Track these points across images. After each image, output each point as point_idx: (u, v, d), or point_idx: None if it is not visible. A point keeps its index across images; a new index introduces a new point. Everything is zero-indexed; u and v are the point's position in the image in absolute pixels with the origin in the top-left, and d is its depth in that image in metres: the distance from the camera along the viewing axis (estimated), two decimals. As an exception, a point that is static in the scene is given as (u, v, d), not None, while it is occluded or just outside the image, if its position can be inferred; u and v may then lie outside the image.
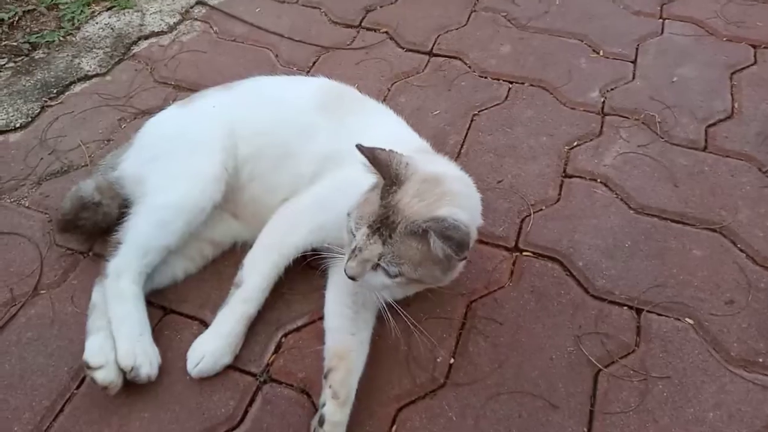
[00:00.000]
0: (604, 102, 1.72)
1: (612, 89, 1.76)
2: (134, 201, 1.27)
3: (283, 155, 1.28)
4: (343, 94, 1.40)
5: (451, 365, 1.16)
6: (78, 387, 1.13)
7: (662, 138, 1.61)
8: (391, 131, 1.32)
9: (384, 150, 1.04)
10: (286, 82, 1.50)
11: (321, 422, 1.01)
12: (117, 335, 1.12)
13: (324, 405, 1.03)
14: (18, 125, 1.67)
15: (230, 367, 1.15)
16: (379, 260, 1.00)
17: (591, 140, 1.60)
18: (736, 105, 1.69)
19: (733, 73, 1.79)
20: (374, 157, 1.03)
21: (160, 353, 1.15)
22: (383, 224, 1.00)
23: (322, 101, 1.33)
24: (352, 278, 1.03)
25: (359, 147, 1.03)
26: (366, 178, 1.09)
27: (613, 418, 1.08)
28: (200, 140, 1.29)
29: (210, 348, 1.13)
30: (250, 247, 1.32)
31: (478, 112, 1.70)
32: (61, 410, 1.10)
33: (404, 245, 0.99)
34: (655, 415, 1.09)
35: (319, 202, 1.21)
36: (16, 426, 1.08)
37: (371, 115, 1.35)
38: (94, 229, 1.30)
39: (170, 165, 1.27)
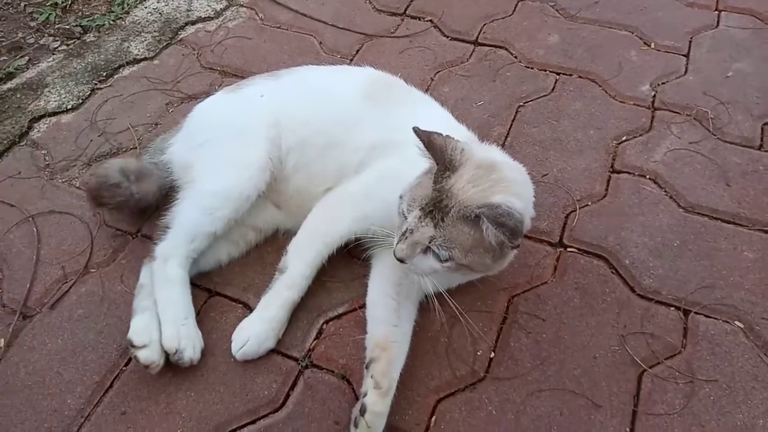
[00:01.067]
0: (654, 96, 1.67)
1: (663, 83, 1.71)
2: (181, 186, 1.30)
3: (328, 145, 1.28)
4: (389, 84, 1.39)
5: (491, 359, 1.15)
6: (126, 364, 1.17)
7: (715, 135, 1.56)
8: (438, 123, 1.30)
9: (440, 134, 1.04)
10: (332, 72, 1.50)
11: (362, 411, 1.02)
12: (163, 318, 1.15)
13: (366, 395, 1.03)
14: (69, 107, 1.72)
15: (273, 351, 1.17)
16: (429, 243, 1.00)
17: (640, 135, 1.56)
18: (795, 102, 1.62)
19: (793, 69, 1.72)
20: (430, 141, 1.02)
21: (204, 335, 1.18)
22: (436, 207, 0.99)
23: (368, 91, 1.33)
24: (401, 260, 1.03)
25: (416, 130, 1.03)
26: (412, 166, 1.08)
27: (657, 419, 1.06)
28: (247, 129, 1.31)
29: (254, 331, 1.15)
30: (293, 235, 1.33)
31: (524, 103, 1.67)
32: (111, 386, 1.14)
33: (456, 230, 0.98)
34: (701, 419, 1.06)
35: (364, 190, 1.21)
36: (69, 398, 1.12)
37: (417, 106, 1.34)
38: (120, 207, 1.33)
39: (217, 152, 1.29)
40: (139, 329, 1.13)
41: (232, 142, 1.29)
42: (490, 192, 0.99)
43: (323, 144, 1.29)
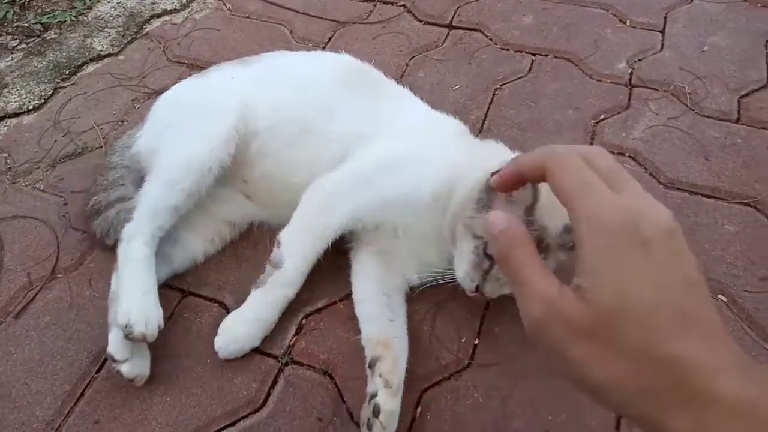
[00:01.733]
0: (631, 73, 1.65)
1: (640, 60, 1.69)
2: (149, 172, 1.25)
3: (300, 132, 1.24)
4: (366, 72, 1.35)
5: (476, 345, 1.13)
6: (98, 371, 1.12)
7: (693, 110, 1.54)
8: (427, 113, 1.29)
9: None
10: (305, 57, 1.45)
11: (376, 413, 0.97)
12: (120, 294, 1.10)
13: (376, 395, 0.99)
14: (31, 107, 1.65)
15: (252, 350, 1.13)
16: None
17: (619, 113, 1.54)
18: (771, 74, 1.61)
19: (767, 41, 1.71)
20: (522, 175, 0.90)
21: (178, 336, 1.14)
22: (538, 247, 0.95)
23: (344, 78, 1.29)
24: (479, 294, 1.04)
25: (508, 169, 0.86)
26: (415, 159, 1.13)
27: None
28: (213, 105, 1.27)
29: (243, 331, 1.11)
30: (268, 226, 1.30)
31: (501, 85, 1.64)
32: (82, 394, 1.09)
33: (550, 261, 1.00)
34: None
35: (359, 179, 1.15)
36: (37, 410, 1.07)
37: (400, 97, 1.32)
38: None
39: (181, 131, 1.25)
40: (119, 342, 1.07)
41: (196, 119, 1.26)
42: (564, 212, 0.85)
43: (294, 132, 1.24)
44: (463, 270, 1.04)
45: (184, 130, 1.26)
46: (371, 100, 1.26)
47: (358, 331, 1.14)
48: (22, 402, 1.08)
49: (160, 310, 1.11)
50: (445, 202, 1.09)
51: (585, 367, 0.46)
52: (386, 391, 0.99)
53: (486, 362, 1.10)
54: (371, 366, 1.04)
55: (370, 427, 0.98)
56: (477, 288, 1.04)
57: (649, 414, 0.44)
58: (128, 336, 1.05)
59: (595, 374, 0.45)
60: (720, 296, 1.18)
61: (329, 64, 1.35)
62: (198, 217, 1.26)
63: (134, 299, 1.08)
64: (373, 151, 1.17)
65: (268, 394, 1.07)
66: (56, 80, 1.73)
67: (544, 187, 0.88)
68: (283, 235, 1.15)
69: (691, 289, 0.45)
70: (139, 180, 1.27)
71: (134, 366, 1.05)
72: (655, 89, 1.60)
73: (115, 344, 1.07)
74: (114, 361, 1.05)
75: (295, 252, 1.13)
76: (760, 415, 0.40)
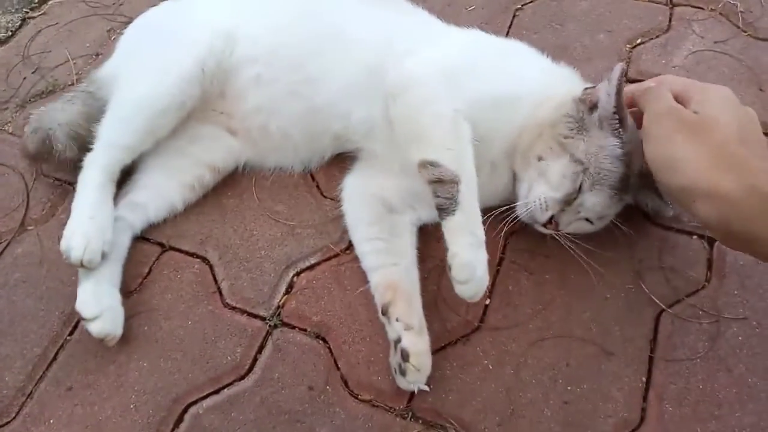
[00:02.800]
0: (673, -11, 1.43)
1: (683, -27, 1.46)
2: (108, 100, 1.13)
3: (313, 53, 1.08)
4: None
5: (486, 306, 1.01)
6: (71, 333, 1.03)
7: (745, 32, 1.34)
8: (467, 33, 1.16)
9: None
10: None
11: (405, 357, 0.89)
12: (69, 220, 1.03)
13: (400, 340, 0.90)
14: (-3, 40, 1.50)
15: (237, 311, 1.03)
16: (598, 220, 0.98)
17: (657, 36, 1.35)
18: (841, -13, 1.38)
19: (838, -53, 1.46)
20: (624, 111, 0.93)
21: (157, 295, 1.05)
22: (622, 186, 0.94)
23: None
24: (548, 225, 0.97)
25: (615, 98, 0.91)
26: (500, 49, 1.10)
27: (678, 366, 0.93)
28: (181, 35, 1.12)
29: (481, 270, 0.89)
30: (254, 172, 1.16)
31: (522, 6, 1.44)
32: (54, 358, 1.00)
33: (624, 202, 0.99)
34: (727, 363, 0.92)
35: (465, 67, 1.02)
36: (7, 375, 0.99)
37: (430, 17, 1.19)
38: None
39: (142, 62, 1.13)
40: (87, 298, 0.98)
41: (160, 47, 1.12)
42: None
43: (305, 53, 1.08)
44: (543, 195, 0.95)
45: (144, 61, 1.12)
46: (408, 12, 1.17)
47: (355, 289, 1.03)
48: (-8, 366, 1.00)
49: (107, 236, 1.02)
50: (531, 115, 1.00)
51: (680, 146, 0.77)
52: (409, 333, 0.91)
53: (498, 325, 0.98)
54: (384, 312, 0.95)
55: (404, 372, 0.90)
56: (551, 219, 0.95)
57: (708, 179, 0.73)
58: (66, 261, 0.99)
59: (685, 151, 0.76)
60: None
61: None
62: (174, 160, 1.13)
63: (79, 223, 1.01)
64: (461, 43, 1.09)
65: (255, 360, 0.97)
66: (24, 10, 1.57)
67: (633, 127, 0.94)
68: (427, 151, 0.93)
69: (758, 137, 0.78)
70: (97, 108, 1.14)
71: (104, 324, 0.96)
72: (700, 8, 1.40)
73: (83, 299, 0.98)
74: (82, 318, 0.97)
75: (455, 154, 0.93)
76: None
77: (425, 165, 0.91)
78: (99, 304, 0.97)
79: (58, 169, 1.20)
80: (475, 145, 0.96)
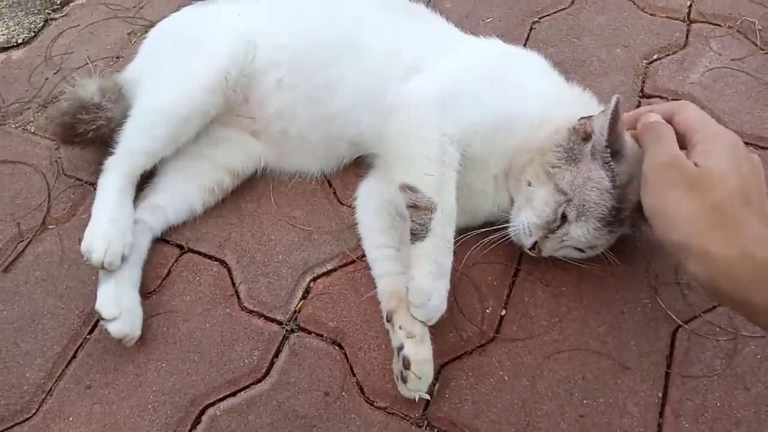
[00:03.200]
0: (690, 6, 1.44)
1: (701, -10, 1.47)
2: (132, 104, 1.15)
3: (337, 55, 1.09)
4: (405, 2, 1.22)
5: (502, 317, 1.01)
6: (90, 332, 1.04)
7: (763, 50, 1.34)
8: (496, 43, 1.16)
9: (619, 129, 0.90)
10: None
11: (407, 365, 0.89)
12: (90, 222, 1.05)
13: (402, 348, 0.90)
14: (20, 41, 1.52)
15: (254, 314, 1.03)
16: (587, 247, 0.97)
17: (674, 53, 1.35)
18: None
19: None
20: (619, 141, 0.91)
21: (176, 297, 1.05)
22: (615, 218, 0.92)
23: (386, 4, 1.17)
24: (532, 250, 0.98)
25: (609, 129, 0.88)
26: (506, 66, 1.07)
27: (694, 382, 0.93)
28: (204, 42, 1.13)
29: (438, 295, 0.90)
30: (273, 178, 1.17)
31: (539, 18, 1.44)
32: (74, 356, 1.01)
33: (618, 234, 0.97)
34: (745, 381, 0.92)
35: (465, 89, 1.00)
36: (28, 372, 1.00)
37: (451, 27, 1.20)
38: (97, 136, 1.14)
39: (165, 66, 1.14)
40: (107, 299, 0.99)
41: (183, 56, 1.14)
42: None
43: (324, 58, 1.09)
44: (527, 220, 0.96)
45: (167, 68, 1.14)
46: (424, 23, 1.16)
47: (371, 296, 1.03)
48: (12, 363, 1.01)
49: (127, 238, 1.04)
50: (527, 138, 0.99)
51: (677, 203, 0.75)
52: (411, 341, 0.91)
53: (514, 336, 0.98)
54: (389, 320, 0.95)
55: (405, 380, 0.90)
56: (534, 245, 0.96)
57: (701, 241, 0.72)
58: (87, 262, 1.00)
59: (682, 209, 0.74)
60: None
61: None
62: (195, 164, 1.14)
63: (100, 225, 1.03)
64: (465, 60, 1.07)
65: (272, 364, 0.98)
66: (47, 11, 1.59)
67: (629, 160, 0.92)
68: (407, 174, 0.94)
69: (761, 195, 0.74)
70: (124, 106, 1.16)
71: (123, 324, 0.97)
72: (718, 25, 1.39)
73: (103, 300, 0.99)
74: (102, 318, 0.97)
75: (435, 181, 0.93)
76: None
77: (404, 188, 0.93)
78: (118, 305, 0.98)
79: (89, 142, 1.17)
80: (474, 163, 0.98)
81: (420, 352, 0.90)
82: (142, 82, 1.15)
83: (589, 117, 0.94)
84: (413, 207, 0.92)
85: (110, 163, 1.11)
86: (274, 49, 1.12)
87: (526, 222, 0.96)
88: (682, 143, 0.82)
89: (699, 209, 0.73)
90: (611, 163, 0.90)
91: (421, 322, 0.90)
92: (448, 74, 1.03)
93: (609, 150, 0.90)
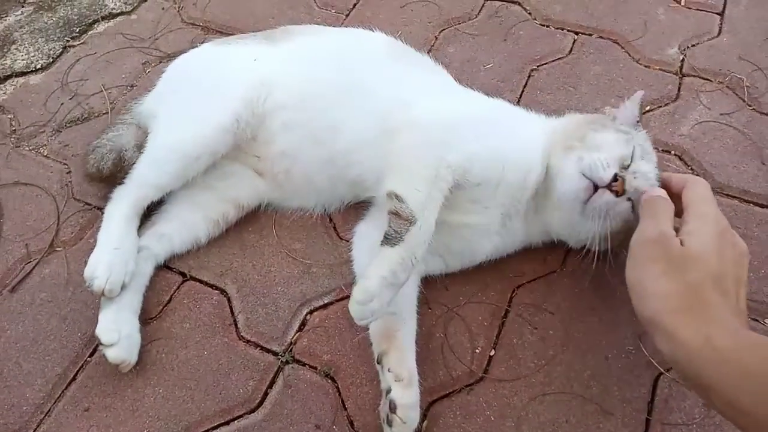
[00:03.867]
0: (683, 60, 1.50)
1: (693, 45, 1.53)
2: (148, 135, 1.20)
3: (343, 95, 1.14)
4: (411, 51, 1.27)
5: (491, 357, 1.04)
6: (91, 355, 1.07)
7: (750, 106, 1.39)
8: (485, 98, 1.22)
9: None
10: (343, 33, 1.35)
11: (393, 408, 0.91)
12: (95, 249, 1.09)
13: (390, 391, 0.92)
14: (39, 66, 1.58)
15: (251, 344, 1.07)
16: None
17: (666, 105, 1.40)
18: None
19: (842, 29, 1.53)
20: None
21: (176, 324, 1.09)
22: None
23: (391, 52, 1.23)
24: (613, 185, 0.96)
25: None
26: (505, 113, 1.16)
27: (674, 429, 0.95)
28: (221, 84, 1.18)
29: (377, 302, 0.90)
30: (275, 211, 1.22)
31: (537, 66, 1.50)
32: (74, 379, 1.04)
33: None
34: (723, 430, 0.95)
35: (471, 122, 1.07)
36: (28, 392, 1.03)
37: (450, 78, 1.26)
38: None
39: (181, 104, 1.20)
40: (107, 325, 1.02)
41: (199, 96, 1.19)
42: None
43: (329, 102, 1.14)
44: (602, 156, 0.98)
45: (182, 106, 1.19)
46: (428, 73, 1.23)
47: (365, 331, 1.06)
48: (13, 382, 1.04)
49: (130, 267, 1.07)
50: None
51: (654, 278, 0.78)
52: (399, 385, 0.92)
53: (501, 377, 1.01)
54: (379, 362, 0.97)
55: (390, 423, 0.91)
56: (615, 177, 0.96)
57: (670, 321, 0.74)
58: (88, 288, 1.04)
59: (657, 285, 0.77)
60: None
61: (372, 40, 1.26)
62: (202, 196, 1.19)
63: (104, 253, 1.07)
64: (471, 102, 1.17)
65: (266, 395, 1.01)
66: (66, 38, 1.65)
67: None
68: (398, 184, 0.97)
69: (738, 283, 0.79)
70: (142, 137, 1.21)
71: (121, 351, 1.00)
72: (708, 80, 1.45)
73: (103, 326, 1.02)
74: (101, 344, 1.01)
75: (422, 197, 0.95)
76: (746, 338, 0.70)
77: (391, 195, 0.95)
78: (118, 331, 1.01)
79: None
80: (476, 198, 1.03)
81: (406, 397, 0.92)
82: (158, 117, 1.20)
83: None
84: (395, 214, 0.94)
85: (119, 192, 1.15)
86: (284, 91, 1.17)
87: (602, 158, 0.97)
88: (678, 215, 0.88)
89: (674, 288, 0.76)
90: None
91: (353, 318, 0.90)
92: (456, 108, 1.11)
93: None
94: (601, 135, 1.02)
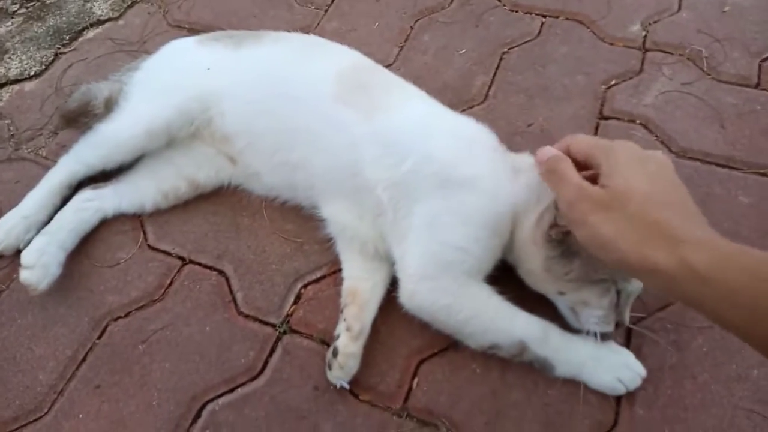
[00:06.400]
0: (645, 36, 1.58)
1: (655, 22, 1.61)
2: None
3: (288, 145, 1.17)
4: (365, 79, 1.18)
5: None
6: (99, 337, 1.13)
7: (709, 75, 1.47)
8: (447, 122, 1.14)
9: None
10: (297, 58, 1.23)
11: (335, 354, 1.02)
12: (12, 210, 1.25)
13: (338, 337, 1.03)
14: (32, 73, 1.64)
15: (250, 318, 1.13)
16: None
17: (630, 78, 1.48)
18: (797, 35, 1.53)
19: (794, 0, 1.62)
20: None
21: (178, 304, 1.16)
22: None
23: (341, 92, 1.13)
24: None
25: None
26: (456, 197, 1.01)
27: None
28: (166, 89, 1.26)
29: None
30: (242, 188, 1.31)
31: (508, 49, 1.58)
32: (84, 360, 1.10)
33: None
34: (693, 371, 1.03)
35: (437, 256, 1.02)
36: (41, 374, 1.09)
37: (407, 104, 1.14)
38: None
39: (135, 95, 1.27)
40: (32, 250, 1.15)
41: (148, 94, 1.27)
42: None
43: (284, 145, 1.18)
44: (597, 317, 0.98)
45: (135, 97, 1.27)
46: (377, 119, 1.10)
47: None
48: (26, 366, 1.10)
49: (29, 236, 1.21)
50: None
51: (600, 226, 0.75)
52: (347, 334, 1.03)
53: (484, 333, 1.08)
54: (341, 311, 1.07)
55: (330, 366, 1.02)
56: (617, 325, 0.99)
57: (637, 253, 0.71)
58: None
59: (606, 230, 0.74)
60: (729, 269, 1.14)
61: (324, 71, 1.17)
62: (160, 167, 1.27)
63: (11, 218, 1.23)
64: (424, 217, 1.03)
65: (266, 363, 1.08)
66: (57, 46, 1.71)
67: None
68: (475, 343, 1.03)
69: (675, 188, 0.77)
70: (116, 94, 1.30)
71: (32, 275, 1.12)
72: (669, 53, 1.53)
73: (28, 249, 1.16)
74: (20, 264, 1.13)
75: (504, 322, 1.01)
76: (718, 249, 0.67)
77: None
78: (38, 258, 1.13)
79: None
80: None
81: (350, 346, 1.02)
82: (125, 95, 1.28)
83: (555, 223, 0.93)
84: (515, 356, 1.01)
85: (62, 160, 1.29)
86: (234, 122, 1.22)
87: (594, 320, 0.98)
88: (586, 169, 0.83)
89: (624, 227, 0.73)
90: None
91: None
92: (422, 246, 1.02)
93: None
94: (587, 294, 0.98)
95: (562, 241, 0.92)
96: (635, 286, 0.98)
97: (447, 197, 1.00)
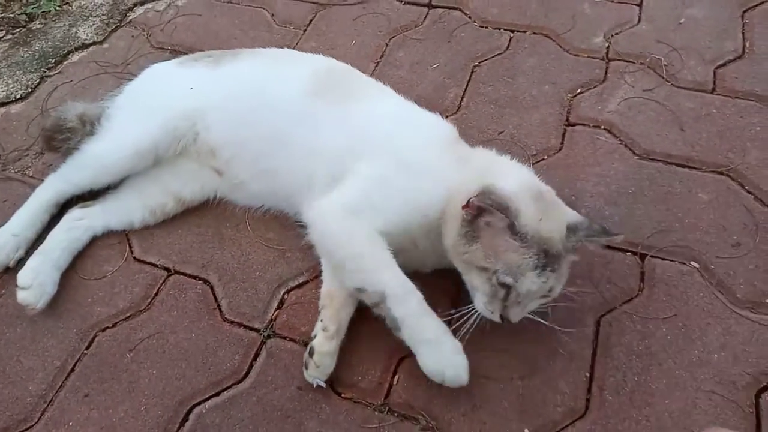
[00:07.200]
0: (608, 47, 1.66)
1: (617, 34, 1.70)
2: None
3: (271, 152, 1.23)
4: (338, 76, 1.30)
5: (452, 314, 1.15)
6: (87, 348, 1.16)
7: (668, 82, 1.56)
8: (412, 117, 1.24)
9: (490, 192, 0.99)
10: (272, 65, 1.34)
11: (311, 353, 1.06)
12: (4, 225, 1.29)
13: (315, 337, 1.08)
14: (18, 96, 1.68)
15: (235, 324, 1.17)
16: (549, 293, 1.03)
17: (595, 87, 1.56)
18: (747, 44, 1.62)
19: (745, 11, 1.72)
20: (497, 204, 0.97)
21: (164, 313, 1.19)
22: (549, 258, 0.98)
23: (315, 88, 1.23)
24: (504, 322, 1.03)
25: (474, 203, 0.98)
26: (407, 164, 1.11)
27: (616, 362, 1.08)
28: (150, 110, 1.31)
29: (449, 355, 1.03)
30: (226, 200, 1.34)
31: (479, 63, 1.65)
32: (72, 369, 1.13)
33: (564, 267, 1.03)
34: (658, 358, 1.08)
35: (371, 198, 1.09)
36: (30, 385, 1.11)
37: (376, 99, 1.25)
38: (72, 149, 1.33)
39: (119, 118, 1.32)
40: (27, 270, 1.19)
41: (132, 115, 1.31)
42: (562, 213, 1.06)
43: (265, 151, 1.24)
44: (483, 303, 1.03)
45: (119, 120, 1.31)
46: (345, 106, 1.20)
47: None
48: (16, 378, 1.13)
49: (19, 254, 1.26)
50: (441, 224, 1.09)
51: None
52: (323, 335, 1.08)
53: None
54: (319, 312, 1.12)
55: (306, 365, 1.07)
56: (502, 318, 1.03)
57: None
58: None
59: None
60: (692, 263, 1.21)
61: (297, 72, 1.28)
62: (147, 185, 1.32)
63: (1, 236, 1.27)
64: (369, 170, 1.11)
65: (251, 366, 1.11)
66: (42, 69, 1.75)
67: (526, 204, 1.00)
68: (350, 280, 1.07)
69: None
70: (91, 113, 1.35)
71: (29, 295, 1.16)
72: (631, 62, 1.62)
73: (23, 270, 1.19)
74: (17, 285, 1.17)
75: (378, 271, 1.04)
76: None
77: (356, 291, 1.08)
78: (34, 278, 1.17)
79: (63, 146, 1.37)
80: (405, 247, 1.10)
81: (326, 345, 1.07)
82: (107, 118, 1.32)
83: (469, 201, 0.99)
84: (374, 305, 1.04)
85: (49, 178, 1.32)
86: (219, 134, 1.27)
87: (481, 305, 1.03)
88: None
89: None
90: (511, 221, 0.97)
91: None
92: (358, 186, 1.10)
93: (502, 212, 0.97)
94: (471, 278, 1.05)
95: (471, 222, 1.01)
96: (526, 287, 0.98)
97: (398, 171, 1.10)
